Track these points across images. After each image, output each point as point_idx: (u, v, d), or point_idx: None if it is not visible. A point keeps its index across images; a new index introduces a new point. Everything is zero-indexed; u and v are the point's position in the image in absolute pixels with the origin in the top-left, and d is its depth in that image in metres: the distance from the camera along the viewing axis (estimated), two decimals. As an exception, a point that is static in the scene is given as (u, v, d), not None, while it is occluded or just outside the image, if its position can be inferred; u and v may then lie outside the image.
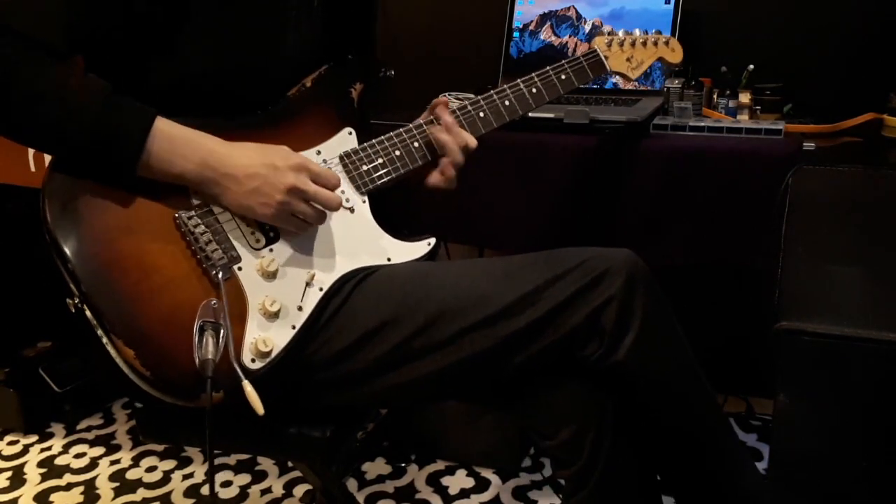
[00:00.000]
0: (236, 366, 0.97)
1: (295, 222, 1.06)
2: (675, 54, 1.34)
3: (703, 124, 1.51)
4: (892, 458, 0.88)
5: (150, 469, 1.96)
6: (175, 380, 0.98)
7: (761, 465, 1.78)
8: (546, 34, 1.82)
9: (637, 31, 1.31)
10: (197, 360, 0.95)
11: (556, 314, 1.02)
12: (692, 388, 1.10)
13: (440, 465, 1.90)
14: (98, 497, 1.86)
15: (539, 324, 1.02)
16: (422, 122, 1.19)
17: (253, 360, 1.02)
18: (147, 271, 0.99)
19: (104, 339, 0.98)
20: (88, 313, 0.97)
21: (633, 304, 1.02)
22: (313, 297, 1.08)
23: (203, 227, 1.03)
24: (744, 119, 1.64)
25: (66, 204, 0.99)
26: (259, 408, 0.96)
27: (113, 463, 1.99)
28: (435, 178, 1.19)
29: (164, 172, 1.01)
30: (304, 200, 1.05)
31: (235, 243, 1.05)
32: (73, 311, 0.99)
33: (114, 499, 1.85)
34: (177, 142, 1.01)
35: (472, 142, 1.18)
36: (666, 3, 1.69)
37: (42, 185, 0.99)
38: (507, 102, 1.22)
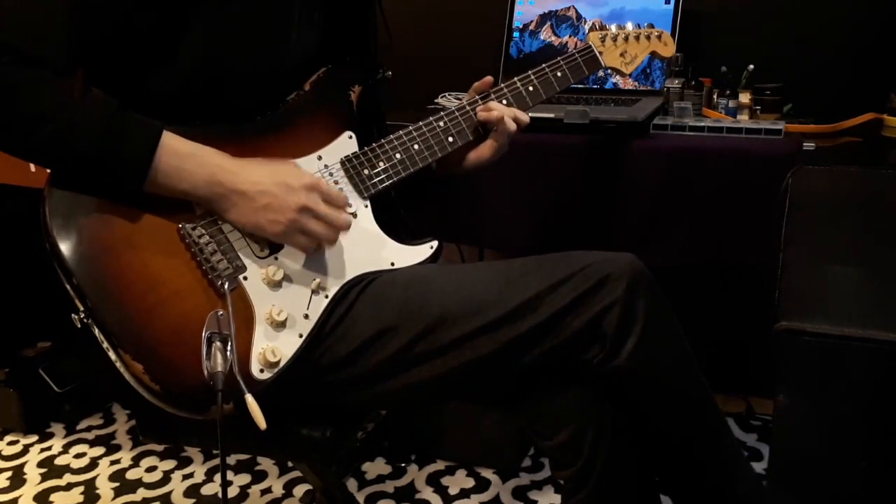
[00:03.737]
0: (240, 379, 0.96)
1: (303, 240, 1.05)
2: (668, 48, 1.35)
3: (703, 124, 1.51)
4: (892, 458, 0.88)
5: (150, 469, 1.96)
6: (185, 393, 0.98)
7: (761, 465, 1.80)
8: (546, 34, 1.82)
9: (629, 26, 1.31)
10: (206, 373, 0.95)
11: (557, 319, 1.02)
12: (692, 392, 1.10)
13: (440, 465, 1.90)
14: (98, 497, 1.86)
15: (541, 329, 1.02)
16: (421, 123, 1.19)
17: (261, 371, 1.01)
18: (152, 284, 0.99)
19: (112, 355, 0.97)
20: (95, 329, 0.97)
21: (635, 309, 1.02)
22: (319, 305, 1.07)
23: (207, 237, 1.03)
24: (744, 119, 1.64)
25: (68, 219, 0.98)
26: (261, 422, 0.95)
27: (113, 463, 1.99)
28: (483, 150, 1.22)
29: (171, 188, 1.00)
30: (314, 218, 1.04)
31: (240, 253, 1.04)
32: (80, 326, 0.98)
33: (114, 499, 1.85)
34: (184, 158, 1.00)
35: (524, 117, 1.22)
36: (666, 3, 1.69)
37: (42, 201, 0.98)
38: (504, 102, 1.22)
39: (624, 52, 1.30)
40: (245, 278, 1.04)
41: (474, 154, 1.23)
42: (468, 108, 1.21)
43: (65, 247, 0.97)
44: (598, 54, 1.28)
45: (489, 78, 1.23)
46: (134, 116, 0.99)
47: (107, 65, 1.04)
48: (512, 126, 1.20)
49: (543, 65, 1.25)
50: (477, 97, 1.23)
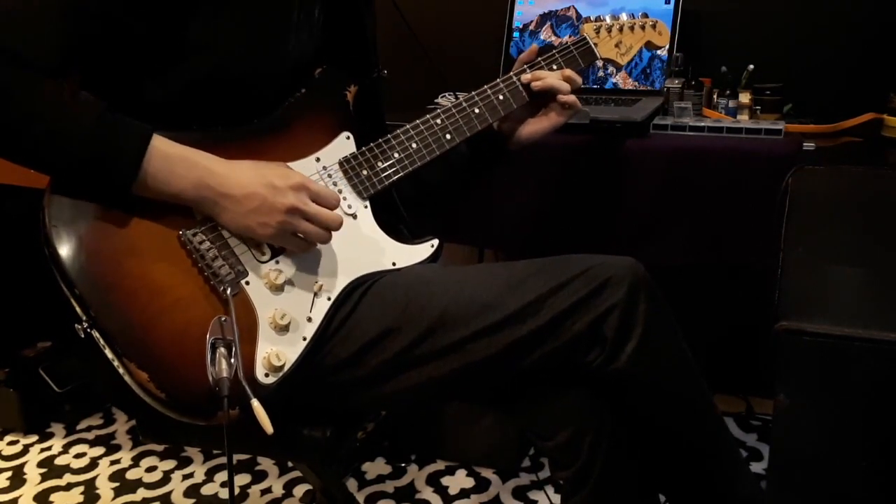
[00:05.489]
0: (245, 385, 0.96)
1: (296, 242, 1.04)
2: (663, 38, 1.35)
3: (703, 124, 1.51)
4: (892, 458, 0.88)
5: (150, 469, 1.96)
6: (190, 400, 0.97)
7: (761, 465, 1.80)
8: (546, 34, 1.82)
9: (623, 16, 1.31)
10: (211, 379, 0.94)
11: (558, 322, 1.02)
12: (691, 395, 1.10)
13: (440, 465, 1.90)
14: (98, 497, 1.86)
15: (541, 331, 1.02)
16: (418, 122, 1.19)
17: (266, 375, 1.01)
18: (155, 292, 0.98)
19: (116, 364, 0.96)
20: (99, 338, 0.96)
21: (635, 312, 1.02)
22: (322, 308, 1.07)
23: (208, 243, 1.02)
24: (744, 119, 1.64)
25: (69, 228, 0.97)
26: (268, 427, 0.95)
27: (113, 463, 1.99)
28: (542, 122, 1.26)
29: (160, 192, 0.99)
30: (304, 219, 1.03)
31: (241, 258, 1.04)
32: (83, 336, 0.98)
33: (114, 499, 1.85)
34: (173, 161, 0.99)
35: (577, 77, 1.25)
36: (666, 3, 1.69)
37: (42, 209, 0.97)
38: (500, 97, 1.23)
39: (619, 43, 1.30)
40: (247, 283, 1.03)
41: (533, 123, 1.27)
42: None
43: (66, 256, 0.96)
44: (593, 45, 1.28)
45: (535, 46, 1.27)
46: (123, 119, 0.98)
47: (105, 69, 1.03)
48: (564, 87, 1.23)
49: (539, 58, 1.26)
50: (523, 68, 1.25)
